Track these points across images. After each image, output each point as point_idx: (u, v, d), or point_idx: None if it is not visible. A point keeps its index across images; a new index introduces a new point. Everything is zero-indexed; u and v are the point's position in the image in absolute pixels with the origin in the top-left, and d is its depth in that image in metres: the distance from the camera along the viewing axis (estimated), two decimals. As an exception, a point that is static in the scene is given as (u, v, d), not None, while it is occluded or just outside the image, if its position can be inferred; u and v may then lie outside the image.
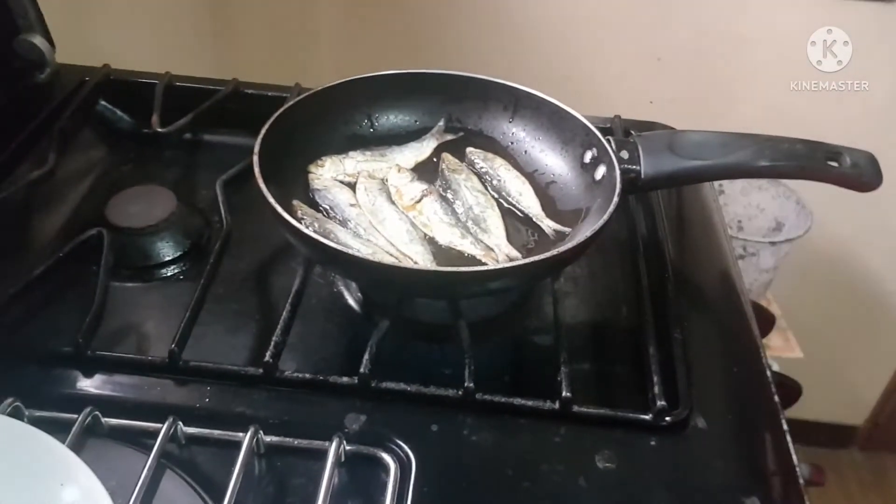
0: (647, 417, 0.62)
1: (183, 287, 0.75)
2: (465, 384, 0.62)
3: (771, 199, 1.63)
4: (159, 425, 0.58)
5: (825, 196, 1.49)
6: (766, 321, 0.97)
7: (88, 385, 0.63)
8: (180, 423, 0.59)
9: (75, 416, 0.57)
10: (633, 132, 0.89)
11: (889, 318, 1.75)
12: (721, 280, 0.81)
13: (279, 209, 0.64)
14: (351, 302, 0.75)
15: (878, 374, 1.86)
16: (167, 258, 0.77)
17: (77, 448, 0.54)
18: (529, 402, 0.62)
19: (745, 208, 1.65)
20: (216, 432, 0.59)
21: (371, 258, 0.65)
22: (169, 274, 0.77)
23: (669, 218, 0.84)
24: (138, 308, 0.74)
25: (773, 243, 1.51)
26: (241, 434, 0.58)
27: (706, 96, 1.45)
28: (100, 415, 0.58)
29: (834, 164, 0.76)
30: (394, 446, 0.59)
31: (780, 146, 0.76)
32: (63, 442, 0.53)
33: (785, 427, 0.66)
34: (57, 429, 0.54)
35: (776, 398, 0.68)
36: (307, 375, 0.64)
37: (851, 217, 1.56)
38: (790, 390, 0.78)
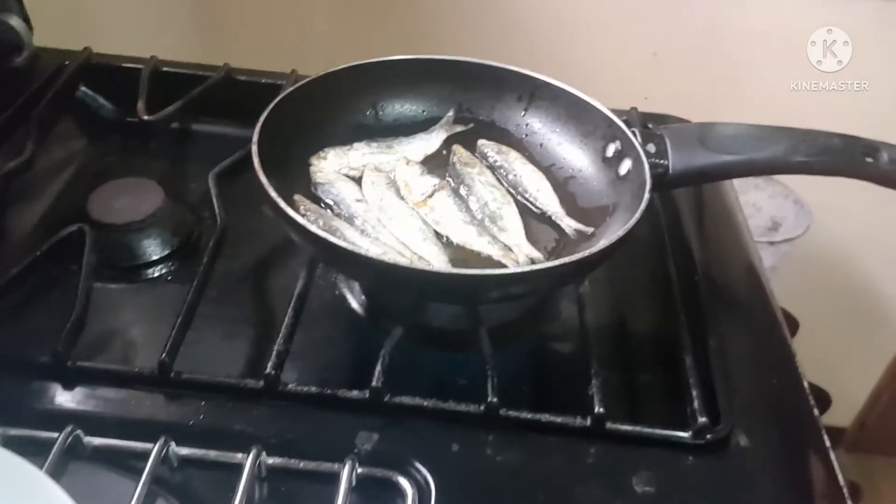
0: (685, 435, 0.57)
1: (172, 289, 0.69)
2: (489, 399, 0.56)
3: (768, 198, 1.60)
4: (149, 445, 0.52)
5: (823, 195, 1.47)
6: (792, 326, 0.93)
7: (69, 400, 0.57)
8: (172, 442, 0.53)
9: (54, 434, 0.52)
10: (650, 126, 0.85)
11: (880, 320, 1.73)
12: (750, 282, 0.76)
13: (282, 204, 0.58)
14: (355, 306, 0.69)
15: (866, 376, 1.84)
16: (154, 257, 0.72)
17: (56, 473, 0.50)
18: (559, 419, 0.57)
19: (742, 207, 1.62)
20: (213, 453, 0.54)
21: (385, 259, 0.59)
22: (157, 275, 0.71)
23: (693, 218, 0.79)
24: (124, 313, 0.68)
25: (772, 243, 1.48)
26: (240, 455, 0.53)
27: (703, 93, 1.41)
28: (82, 434, 0.53)
29: (870, 159, 0.71)
30: (411, 468, 0.54)
31: (815, 141, 0.71)
32: (40, 466, 0.47)
33: (827, 443, 0.61)
34: (33, 450, 0.49)
35: (815, 411, 0.63)
36: (313, 389, 0.58)
37: (849, 218, 1.54)
38: (820, 400, 0.73)
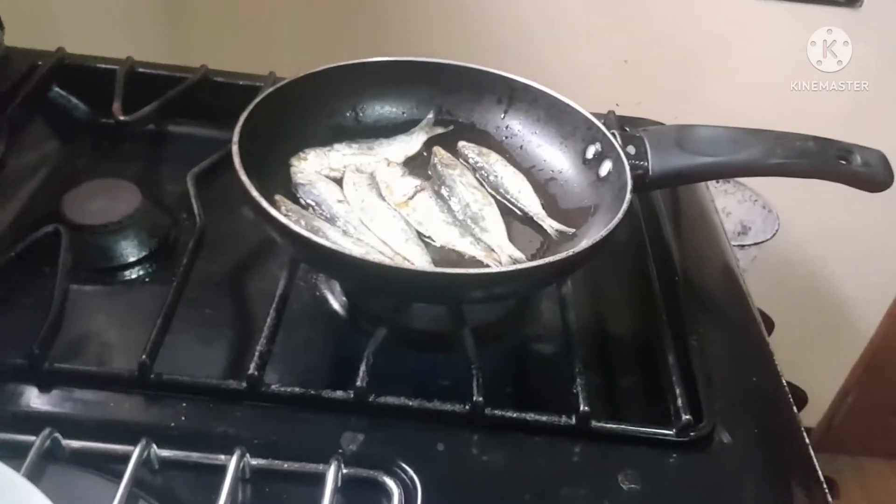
0: (669, 433, 0.57)
1: (149, 291, 0.68)
2: (474, 398, 0.56)
3: (737, 203, 1.62)
4: (130, 448, 0.51)
5: (790, 201, 1.49)
6: (768, 326, 0.94)
7: (46, 403, 0.56)
8: (153, 445, 0.52)
9: (32, 438, 0.51)
10: (627, 129, 0.85)
11: (845, 322, 1.76)
12: (727, 283, 0.77)
13: (264, 204, 0.57)
14: (336, 306, 0.69)
15: (832, 378, 1.87)
16: (132, 259, 0.71)
17: (34, 476, 0.48)
18: (544, 418, 0.57)
19: (714, 203, 1.64)
20: (195, 455, 0.53)
21: (368, 258, 0.59)
22: (134, 276, 0.70)
23: (671, 219, 0.80)
24: (101, 315, 0.66)
25: (741, 247, 1.50)
26: (223, 457, 0.52)
27: (672, 99, 1.43)
28: (60, 437, 0.52)
29: (844, 162, 0.72)
30: (396, 469, 0.53)
31: (791, 143, 0.72)
32: (17, 469, 0.46)
33: (807, 440, 0.62)
34: (11, 453, 0.48)
35: (794, 408, 0.64)
36: (297, 390, 0.57)
37: (814, 222, 1.56)
38: (797, 399, 0.75)
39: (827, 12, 1.26)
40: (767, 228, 1.52)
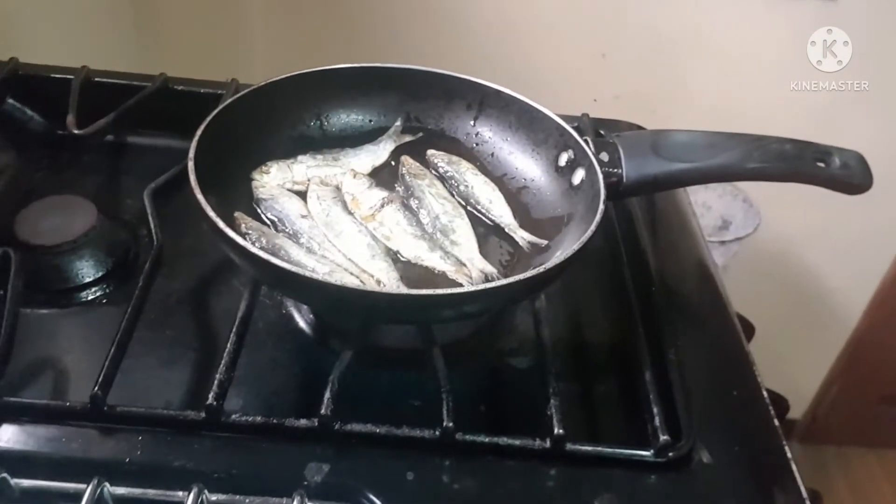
0: (647, 454, 0.55)
1: (107, 313, 0.66)
2: (444, 423, 0.54)
3: (717, 197, 1.62)
4: (82, 486, 0.49)
5: (771, 195, 1.48)
6: (748, 332, 0.92)
7: (-7, 439, 0.53)
8: (107, 483, 0.50)
9: (-23, 479, 0.48)
10: (602, 132, 0.84)
11: (828, 314, 1.76)
12: (706, 290, 0.75)
13: (220, 223, 0.55)
14: (303, 325, 0.67)
15: (816, 369, 1.88)
16: (88, 279, 0.68)
17: None
18: (517, 442, 0.55)
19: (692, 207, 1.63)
20: (151, 492, 0.51)
21: (330, 279, 0.56)
22: (90, 298, 0.67)
23: (647, 224, 0.78)
24: (54, 340, 0.64)
25: (722, 242, 1.49)
26: (181, 493, 0.50)
27: (651, 95, 1.41)
28: (8, 477, 0.50)
29: (822, 164, 0.71)
30: (363, 500, 0.52)
31: (768, 147, 0.71)
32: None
33: (789, 455, 0.60)
34: None
35: (776, 422, 0.63)
36: (258, 419, 0.55)
37: (795, 215, 1.56)
38: (778, 406, 0.73)
39: (811, 6, 1.25)
40: (748, 223, 1.52)
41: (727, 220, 1.62)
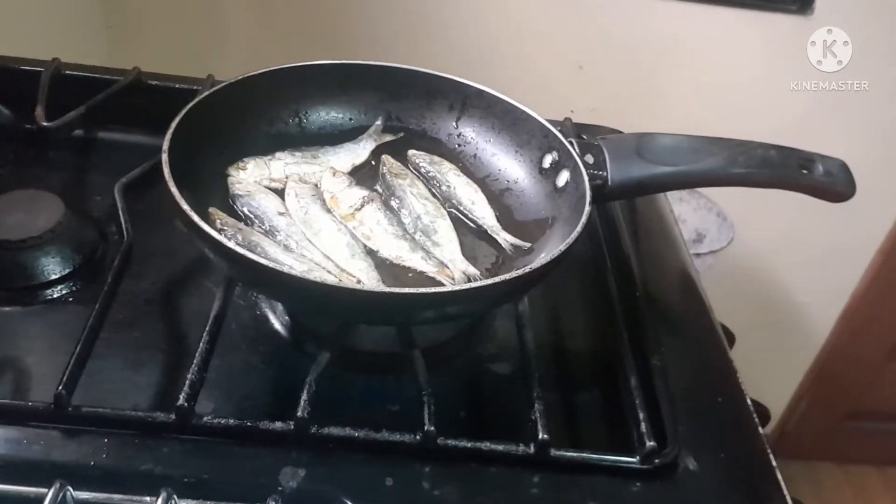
0: (633, 460, 0.54)
1: (73, 312, 0.63)
2: (425, 428, 0.52)
3: (692, 210, 1.62)
4: (43, 490, 0.47)
5: (745, 209, 1.49)
6: (729, 340, 0.92)
7: (-50, 441, 0.50)
8: (69, 487, 0.47)
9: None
10: (584, 137, 0.82)
11: (797, 328, 1.78)
12: (688, 297, 0.75)
13: (195, 217, 0.53)
14: (278, 327, 0.65)
15: (785, 383, 1.89)
16: (53, 276, 0.65)
17: None
18: (500, 447, 0.53)
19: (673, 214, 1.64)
20: (117, 497, 0.49)
21: (309, 277, 0.54)
22: (56, 296, 0.65)
23: (630, 231, 0.77)
24: (17, 339, 0.61)
25: (697, 255, 1.49)
26: (149, 499, 0.48)
27: (630, 104, 1.41)
28: None
29: (806, 171, 0.70)
30: (341, 507, 0.49)
31: (753, 153, 0.70)
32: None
33: (773, 463, 0.59)
34: None
35: (761, 430, 0.62)
36: (231, 422, 0.53)
37: (767, 230, 1.57)
38: (761, 416, 0.73)
39: (777, 20, 1.26)
40: (722, 236, 1.52)
41: (701, 234, 1.63)
